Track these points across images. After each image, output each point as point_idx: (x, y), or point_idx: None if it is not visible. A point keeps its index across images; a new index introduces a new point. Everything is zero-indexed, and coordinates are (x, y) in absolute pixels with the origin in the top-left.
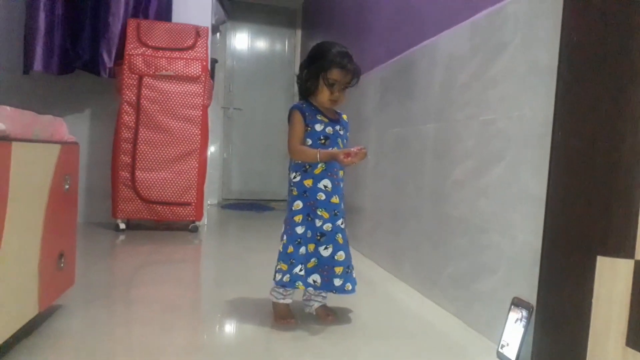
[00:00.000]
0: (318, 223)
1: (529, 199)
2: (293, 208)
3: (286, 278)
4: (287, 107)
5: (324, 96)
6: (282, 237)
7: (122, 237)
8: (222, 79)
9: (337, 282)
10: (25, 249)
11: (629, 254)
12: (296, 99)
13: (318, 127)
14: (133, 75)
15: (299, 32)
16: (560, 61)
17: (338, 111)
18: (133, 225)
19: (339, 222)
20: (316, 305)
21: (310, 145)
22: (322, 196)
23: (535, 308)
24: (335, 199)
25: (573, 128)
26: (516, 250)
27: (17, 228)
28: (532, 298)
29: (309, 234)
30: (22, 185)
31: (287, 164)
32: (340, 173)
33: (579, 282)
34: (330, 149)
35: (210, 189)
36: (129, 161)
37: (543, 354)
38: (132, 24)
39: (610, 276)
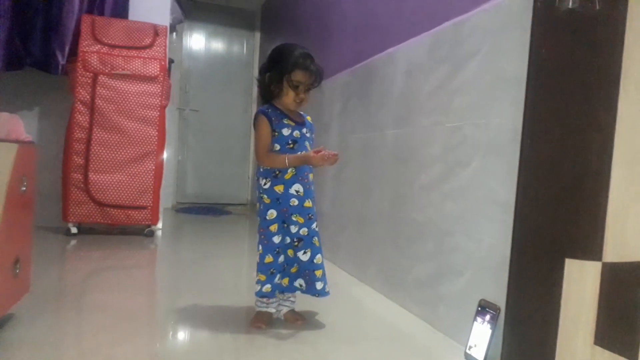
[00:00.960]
0: (294, 229)
1: (495, 203)
2: (267, 217)
3: (267, 288)
4: (245, 110)
5: (289, 98)
6: (258, 247)
7: (73, 241)
8: (178, 80)
9: (319, 285)
10: None
11: (597, 257)
12: (254, 101)
13: (285, 132)
14: (87, 74)
15: (257, 35)
16: (529, 72)
17: (302, 113)
18: (85, 230)
19: (314, 225)
20: (285, 310)
21: (279, 151)
22: (295, 202)
23: (502, 310)
24: (308, 203)
25: (542, 136)
26: (482, 253)
27: None
28: (498, 300)
29: (287, 240)
30: None
31: (244, 167)
32: (310, 176)
33: (547, 284)
34: (298, 153)
35: (164, 192)
36: (81, 162)
37: (512, 354)
38: (86, 20)
39: (579, 278)
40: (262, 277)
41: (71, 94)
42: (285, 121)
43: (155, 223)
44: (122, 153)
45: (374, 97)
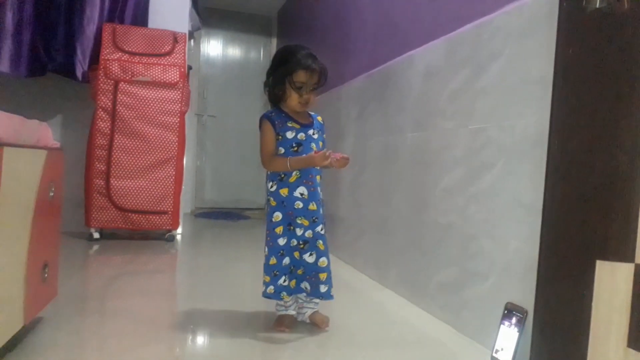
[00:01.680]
0: (299, 232)
1: (521, 205)
2: (273, 219)
3: (270, 290)
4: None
5: (293, 100)
6: (264, 248)
7: (96, 246)
8: (196, 86)
9: (323, 288)
10: (12, 259)
11: (629, 258)
12: (269, 107)
13: (289, 135)
14: (108, 81)
15: (274, 40)
16: (555, 73)
17: (312, 114)
18: (107, 235)
19: (319, 228)
20: (309, 312)
21: (284, 154)
22: (299, 204)
23: (530, 313)
24: (312, 206)
25: (570, 136)
26: (508, 256)
27: (5, 237)
28: (525, 303)
29: (293, 242)
30: (11, 193)
31: (262, 171)
32: (317, 178)
33: (578, 287)
34: (303, 155)
35: (184, 198)
36: (103, 169)
37: (542, 358)
38: (107, 28)
39: (610, 280)
40: (267, 279)
41: (93, 101)
42: (289, 124)
43: (176, 228)
44: (143, 159)
45: (393, 100)
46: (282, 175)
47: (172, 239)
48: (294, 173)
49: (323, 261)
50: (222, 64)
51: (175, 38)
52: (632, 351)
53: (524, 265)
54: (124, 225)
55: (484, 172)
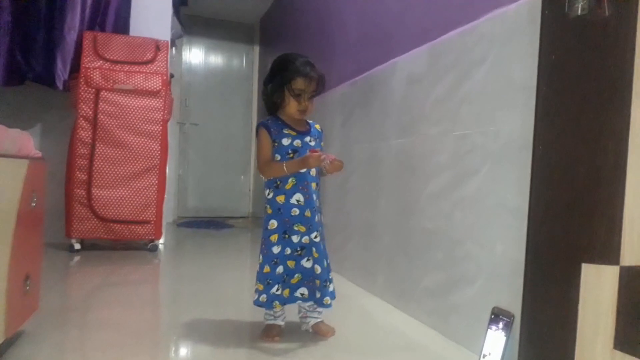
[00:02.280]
0: (296, 239)
1: (506, 210)
2: (269, 227)
3: (262, 298)
4: (245, 123)
5: (292, 108)
6: (259, 256)
7: (77, 258)
8: (178, 94)
9: (318, 294)
10: None
11: (614, 261)
12: (254, 114)
13: (285, 142)
14: (90, 89)
15: (256, 48)
16: (539, 79)
17: (309, 121)
18: (88, 246)
19: (313, 235)
20: (313, 322)
21: (280, 161)
22: (296, 211)
23: (517, 317)
24: (308, 213)
25: (554, 141)
26: (495, 261)
27: None
28: (512, 307)
29: (288, 251)
30: None
31: (246, 180)
32: (313, 186)
33: (564, 290)
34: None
35: (166, 207)
36: (84, 178)
37: None
38: (88, 36)
39: (596, 282)
40: (260, 287)
41: (73, 110)
42: (285, 131)
43: (159, 238)
44: (125, 168)
45: (378, 107)
46: (278, 182)
47: (155, 248)
48: (290, 180)
49: (317, 268)
50: (204, 71)
51: (157, 46)
52: (618, 353)
53: (511, 270)
54: (105, 236)
55: (470, 177)
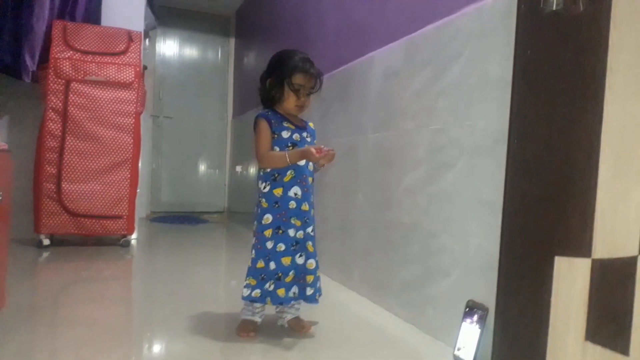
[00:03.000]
0: (292, 233)
1: (482, 204)
2: (263, 222)
3: (256, 293)
4: (220, 116)
5: (290, 102)
6: (251, 251)
7: (46, 254)
8: (152, 86)
9: (309, 291)
10: None
11: (586, 253)
12: (230, 107)
13: (285, 134)
14: (59, 80)
15: (232, 40)
16: (514, 73)
17: (303, 119)
18: (58, 241)
19: (309, 229)
20: (289, 317)
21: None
22: (293, 204)
23: (492, 310)
24: (305, 206)
25: (529, 135)
26: (470, 254)
27: None
28: (487, 300)
29: (282, 247)
30: None
31: (221, 174)
32: (310, 180)
33: (537, 282)
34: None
35: (139, 202)
36: (54, 172)
37: (503, 353)
38: (57, 25)
39: (569, 275)
40: (253, 282)
41: (42, 102)
42: (285, 124)
43: (131, 233)
44: (97, 162)
45: (356, 101)
46: (276, 175)
47: (128, 244)
48: (288, 172)
49: (311, 263)
50: (178, 64)
51: (129, 37)
52: (590, 344)
53: (485, 263)
54: (76, 231)
55: (445, 171)
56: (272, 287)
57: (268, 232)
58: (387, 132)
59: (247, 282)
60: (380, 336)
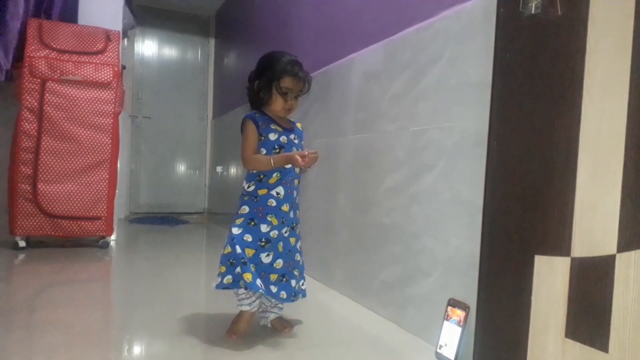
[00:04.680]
0: (265, 229)
1: (462, 204)
2: (239, 212)
3: (227, 280)
4: (200, 117)
5: (277, 105)
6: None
7: (22, 256)
8: (130, 87)
9: (273, 288)
10: None
11: (566, 252)
12: (210, 108)
13: (272, 136)
14: (35, 79)
15: (212, 41)
16: (494, 76)
17: (292, 120)
18: (34, 243)
19: (284, 230)
20: (272, 317)
21: (265, 155)
22: (272, 202)
23: (473, 308)
24: (285, 207)
25: (508, 137)
26: (450, 254)
27: None
28: (468, 299)
29: (248, 238)
30: None
31: (201, 175)
32: (296, 182)
33: (518, 281)
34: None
35: (117, 203)
36: (29, 172)
37: (485, 351)
38: (33, 24)
39: (548, 273)
40: (223, 269)
41: (17, 101)
42: (273, 126)
43: (110, 234)
44: (74, 162)
45: (336, 102)
46: (262, 176)
47: (106, 245)
48: (274, 175)
49: (278, 262)
50: (157, 64)
51: (108, 36)
52: (569, 341)
53: (466, 262)
54: (53, 232)
55: (426, 172)
56: (239, 270)
57: (239, 221)
58: (367, 134)
59: (219, 271)
60: (362, 335)
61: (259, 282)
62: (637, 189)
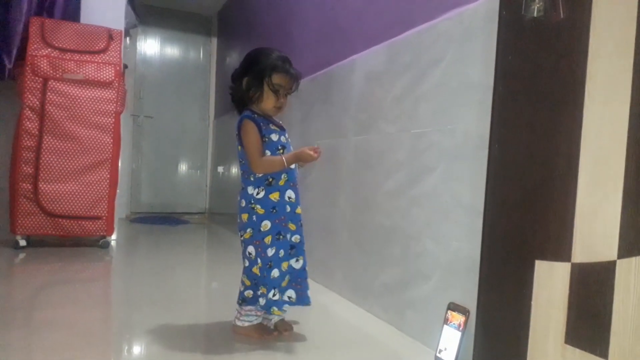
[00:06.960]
0: (289, 237)
1: (462, 207)
2: (262, 229)
3: (277, 298)
4: (202, 116)
5: (269, 103)
6: (256, 260)
7: (22, 255)
8: (132, 86)
9: (310, 293)
10: None
11: (566, 258)
12: (211, 108)
13: (274, 137)
14: (37, 78)
15: (214, 40)
16: (496, 79)
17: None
18: (35, 242)
19: (302, 231)
20: (276, 319)
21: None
22: (288, 209)
23: (473, 312)
24: (299, 210)
25: (509, 140)
26: (450, 257)
27: None
28: (467, 303)
29: (281, 253)
30: None
31: (203, 174)
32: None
33: (518, 286)
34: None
35: (118, 202)
36: (31, 172)
37: (485, 356)
38: (35, 22)
39: (549, 279)
40: (264, 291)
41: (19, 100)
42: (272, 126)
43: (111, 234)
44: (75, 161)
45: (337, 103)
46: (270, 180)
47: (107, 245)
48: (282, 176)
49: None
50: (159, 63)
51: (110, 35)
52: (569, 347)
53: (466, 266)
54: (53, 232)
55: (426, 174)
56: (275, 295)
57: (268, 239)
58: (368, 135)
59: (261, 291)
60: (362, 338)
61: (286, 295)
62: (639, 194)
